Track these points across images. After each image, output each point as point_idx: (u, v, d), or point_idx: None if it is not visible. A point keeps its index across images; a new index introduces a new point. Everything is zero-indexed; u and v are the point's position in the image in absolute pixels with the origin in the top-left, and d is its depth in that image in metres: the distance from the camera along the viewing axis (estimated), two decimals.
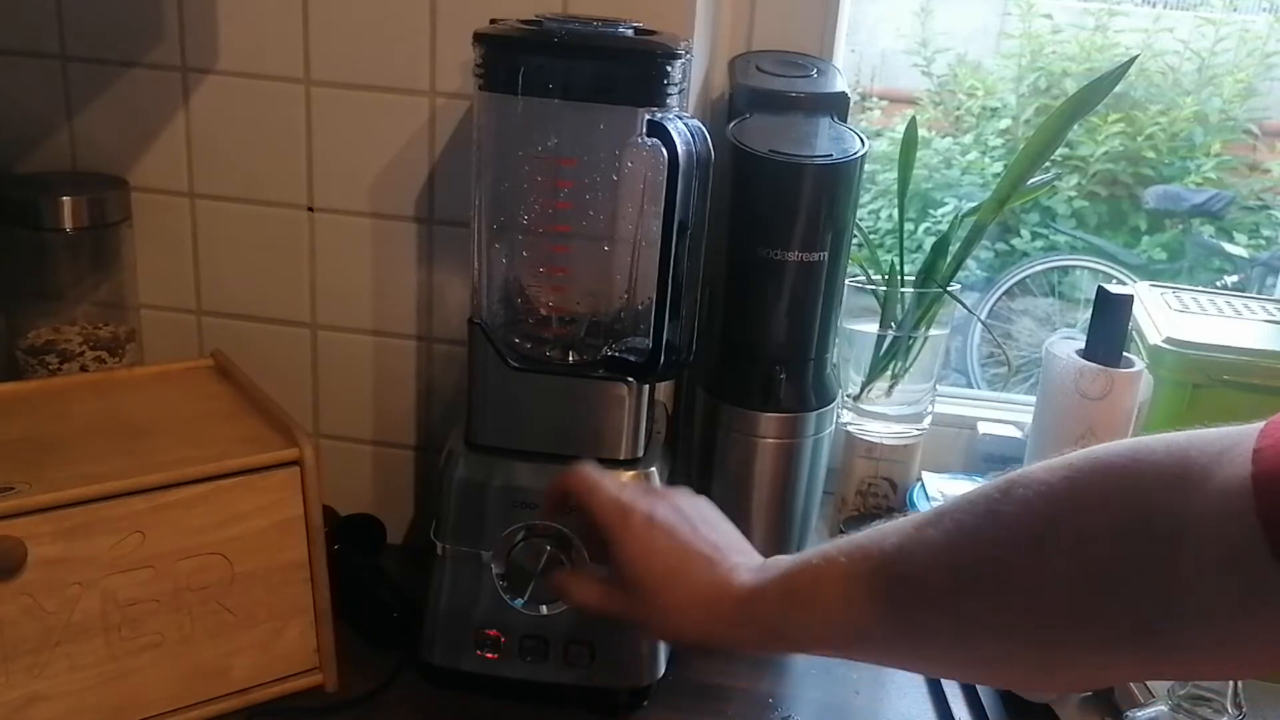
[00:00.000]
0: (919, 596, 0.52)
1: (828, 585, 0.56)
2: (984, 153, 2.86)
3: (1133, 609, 0.44)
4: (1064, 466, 0.48)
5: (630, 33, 0.74)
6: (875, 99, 2.68)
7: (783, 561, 0.59)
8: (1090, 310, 0.82)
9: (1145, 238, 2.83)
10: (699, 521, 0.63)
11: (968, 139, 2.91)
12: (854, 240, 0.88)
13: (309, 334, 0.94)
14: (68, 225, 0.86)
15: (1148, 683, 0.78)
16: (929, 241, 0.97)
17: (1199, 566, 0.42)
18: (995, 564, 0.49)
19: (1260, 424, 0.42)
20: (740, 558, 0.61)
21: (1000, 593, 0.49)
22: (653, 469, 0.78)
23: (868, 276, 0.97)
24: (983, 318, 2.46)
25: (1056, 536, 0.47)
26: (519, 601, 0.76)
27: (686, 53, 0.74)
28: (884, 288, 0.95)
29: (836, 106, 0.87)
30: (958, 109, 2.95)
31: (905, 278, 0.95)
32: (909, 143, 0.95)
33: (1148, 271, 2.73)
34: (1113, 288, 0.82)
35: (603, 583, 0.64)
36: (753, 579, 0.59)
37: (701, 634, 0.60)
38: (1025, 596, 0.48)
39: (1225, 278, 2.64)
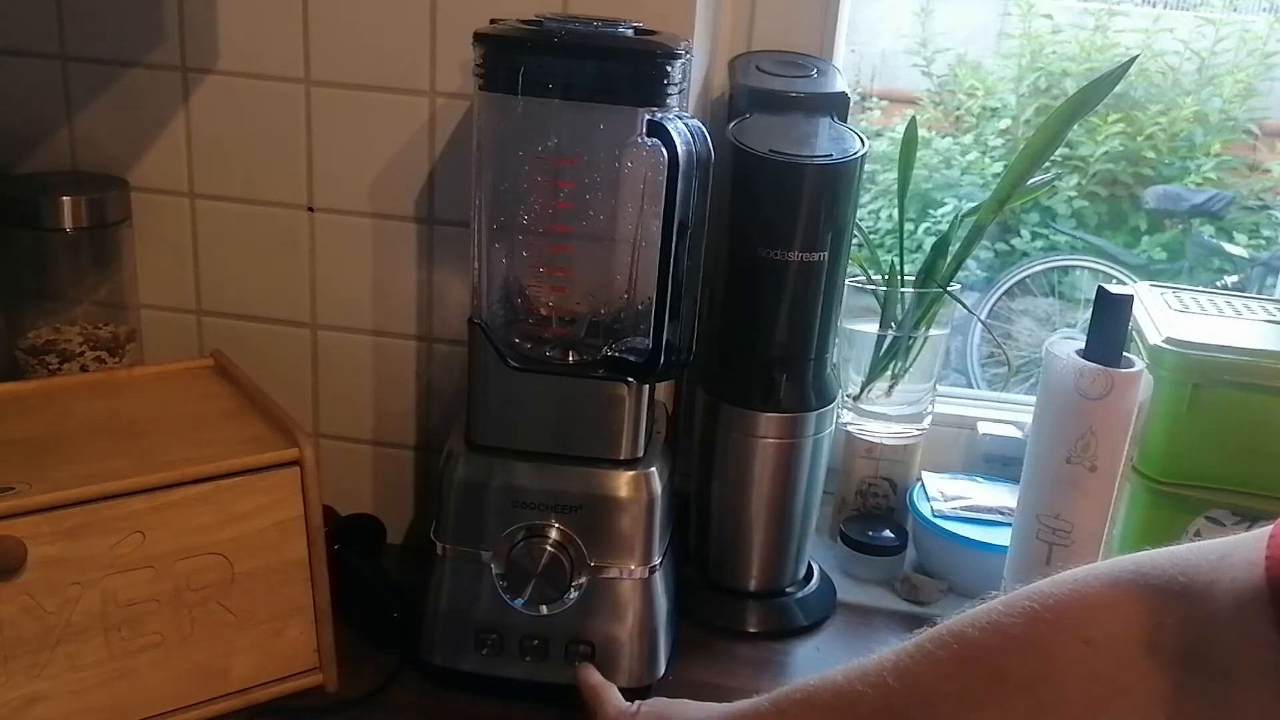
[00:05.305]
0: None
1: None
2: (984, 153, 2.86)
3: None
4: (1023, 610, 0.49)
5: (630, 33, 0.74)
6: (875, 99, 2.68)
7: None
8: (1090, 310, 0.82)
9: (1145, 238, 2.83)
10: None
11: (968, 139, 2.90)
12: (854, 240, 0.88)
13: (309, 334, 0.94)
14: (68, 225, 0.86)
15: None
16: (929, 241, 0.97)
17: (1248, 688, 0.41)
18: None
19: (1263, 530, 0.42)
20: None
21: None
22: (653, 469, 0.78)
23: (868, 276, 0.97)
24: (983, 318, 2.45)
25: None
26: (519, 601, 0.76)
27: (686, 53, 0.74)
28: (884, 288, 0.95)
29: (836, 106, 0.87)
30: (958, 109, 2.95)
31: (905, 278, 0.95)
32: (909, 143, 0.95)
33: (1148, 271, 2.73)
34: (1113, 288, 0.81)
35: None
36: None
37: None
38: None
39: (1225, 278, 2.64)
